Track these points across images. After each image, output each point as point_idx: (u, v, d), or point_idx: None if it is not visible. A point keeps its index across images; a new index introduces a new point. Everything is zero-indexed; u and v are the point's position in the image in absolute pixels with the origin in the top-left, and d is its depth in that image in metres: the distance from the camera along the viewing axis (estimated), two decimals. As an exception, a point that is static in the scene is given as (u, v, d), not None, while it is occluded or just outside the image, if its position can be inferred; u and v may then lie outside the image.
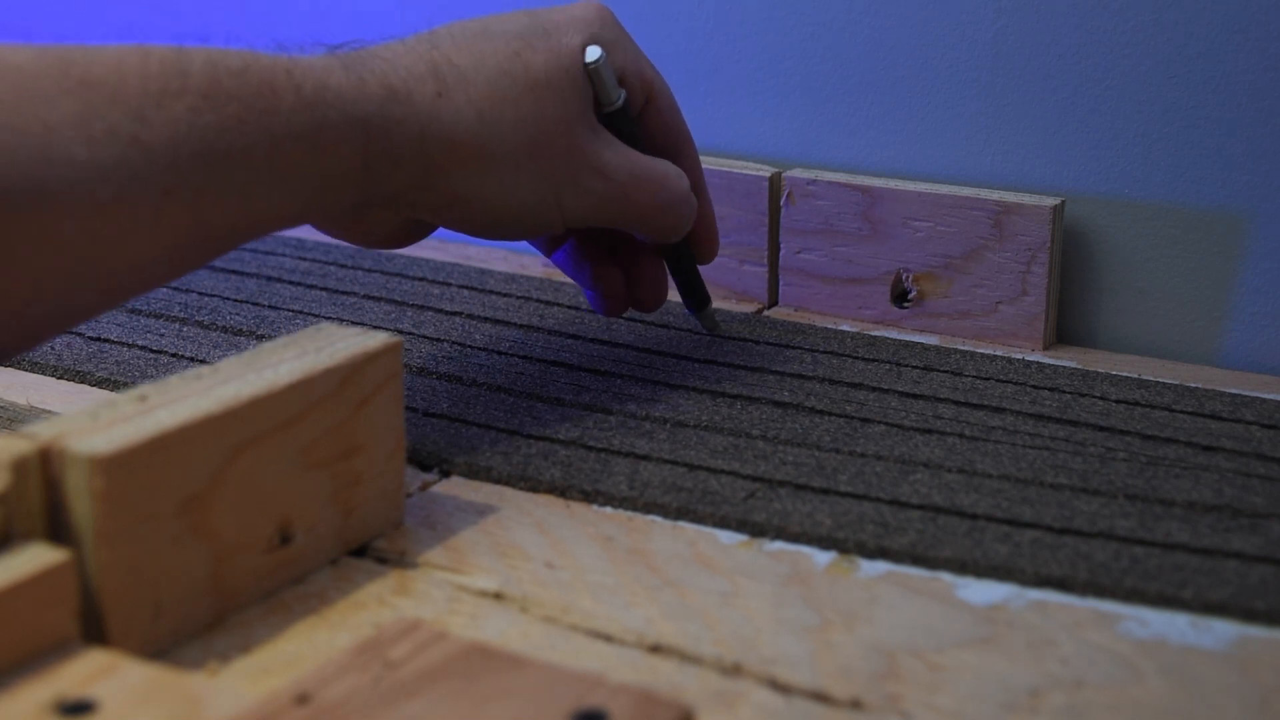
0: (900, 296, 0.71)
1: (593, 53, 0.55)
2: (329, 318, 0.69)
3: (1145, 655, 0.43)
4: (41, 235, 0.45)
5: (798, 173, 0.72)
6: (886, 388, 0.61)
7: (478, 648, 0.38)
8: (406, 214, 0.55)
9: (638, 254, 0.62)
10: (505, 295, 0.73)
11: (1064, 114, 0.68)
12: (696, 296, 0.65)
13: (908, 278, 0.70)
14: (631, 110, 0.58)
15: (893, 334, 0.70)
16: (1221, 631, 0.44)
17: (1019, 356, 0.66)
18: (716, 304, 0.73)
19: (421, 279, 0.75)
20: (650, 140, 0.60)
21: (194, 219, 0.48)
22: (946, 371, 0.64)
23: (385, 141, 0.51)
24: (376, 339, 0.47)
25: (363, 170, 0.51)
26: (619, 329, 0.68)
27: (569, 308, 0.71)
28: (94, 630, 0.39)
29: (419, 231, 0.58)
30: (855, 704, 0.40)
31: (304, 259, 0.79)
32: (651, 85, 0.59)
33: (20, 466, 0.39)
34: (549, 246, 0.63)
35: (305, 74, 0.50)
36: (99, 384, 0.62)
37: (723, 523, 0.51)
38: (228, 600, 0.44)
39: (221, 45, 0.49)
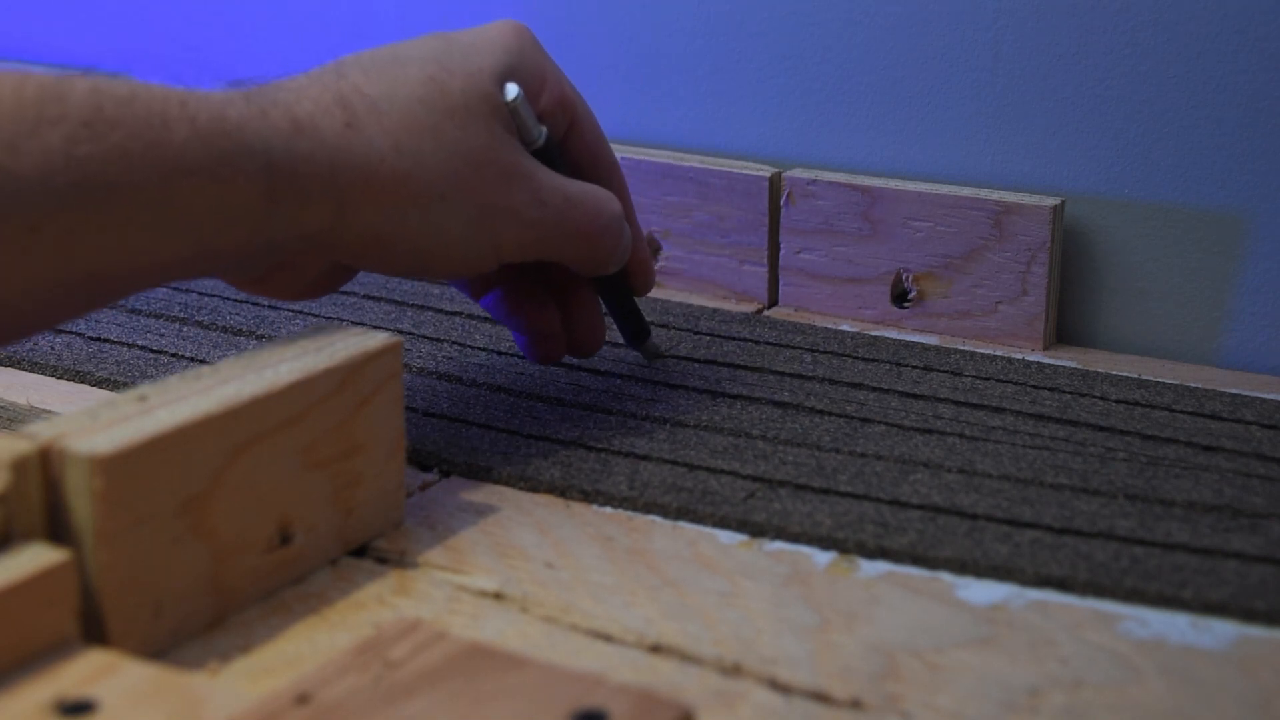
0: (900, 296, 0.71)
1: (511, 90, 0.52)
2: (329, 318, 0.69)
3: (1145, 655, 0.43)
4: None
5: (798, 173, 0.72)
6: (886, 388, 0.61)
7: (477, 648, 0.38)
8: (326, 257, 0.51)
9: (571, 293, 0.58)
10: (505, 295, 0.73)
11: (1064, 114, 0.68)
12: (636, 330, 0.62)
13: (908, 278, 0.70)
14: (554, 136, 0.54)
15: (893, 334, 0.70)
16: (1221, 631, 0.44)
17: (1019, 356, 0.66)
18: (717, 304, 0.73)
19: (421, 278, 0.75)
20: (574, 168, 0.56)
21: (63, 259, 0.44)
22: (946, 371, 0.64)
23: (291, 177, 0.47)
24: (376, 339, 0.47)
25: (266, 208, 0.47)
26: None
27: (569, 308, 0.71)
28: (94, 630, 0.39)
29: (342, 276, 0.54)
30: (855, 704, 0.40)
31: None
32: (574, 108, 0.55)
33: (20, 466, 0.39)
34: (477, 289, 0.58)
35: (201, 105, 0.46)
36: (99, 384, 0.62)
37: (723, 523, 0.51)
38: (228, 600, 0.44)
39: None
